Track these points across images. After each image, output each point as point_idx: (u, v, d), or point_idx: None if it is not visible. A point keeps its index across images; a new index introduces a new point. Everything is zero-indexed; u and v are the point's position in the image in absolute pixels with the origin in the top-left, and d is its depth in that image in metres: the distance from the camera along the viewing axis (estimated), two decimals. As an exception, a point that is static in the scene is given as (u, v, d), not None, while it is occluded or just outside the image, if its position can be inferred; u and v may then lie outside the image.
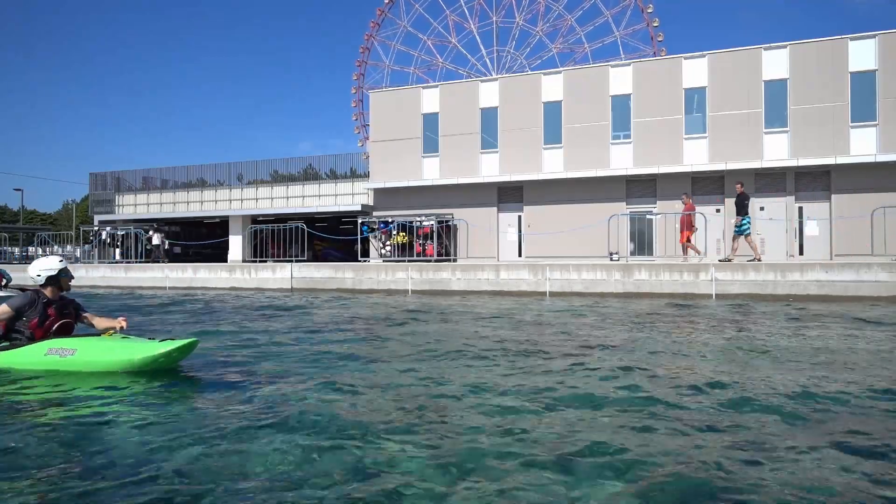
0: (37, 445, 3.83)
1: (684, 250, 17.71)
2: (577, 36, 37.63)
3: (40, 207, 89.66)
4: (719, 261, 16.31)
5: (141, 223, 30.44)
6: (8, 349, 5.85)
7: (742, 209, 16.41)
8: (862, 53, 20.01)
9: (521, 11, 38.28)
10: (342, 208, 27.80)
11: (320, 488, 3.08)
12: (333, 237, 25.89)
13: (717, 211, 21.22)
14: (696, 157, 21.52)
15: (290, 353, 7.18)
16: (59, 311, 6.00)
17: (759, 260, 16.01)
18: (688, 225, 17.49)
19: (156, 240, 27.07)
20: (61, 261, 6.09)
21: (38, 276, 5.93)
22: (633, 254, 21.49)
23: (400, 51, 40.36)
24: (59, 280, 6.01)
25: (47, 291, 5.96)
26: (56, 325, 5.96)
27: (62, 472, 3.35)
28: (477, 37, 39.56)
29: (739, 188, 16.77)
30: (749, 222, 16.44)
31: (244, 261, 27.68)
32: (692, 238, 17.57)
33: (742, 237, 16.41)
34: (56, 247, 35.45)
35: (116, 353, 5.90)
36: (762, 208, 20.92)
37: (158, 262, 25.73)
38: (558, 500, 2.92)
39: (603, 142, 22.67)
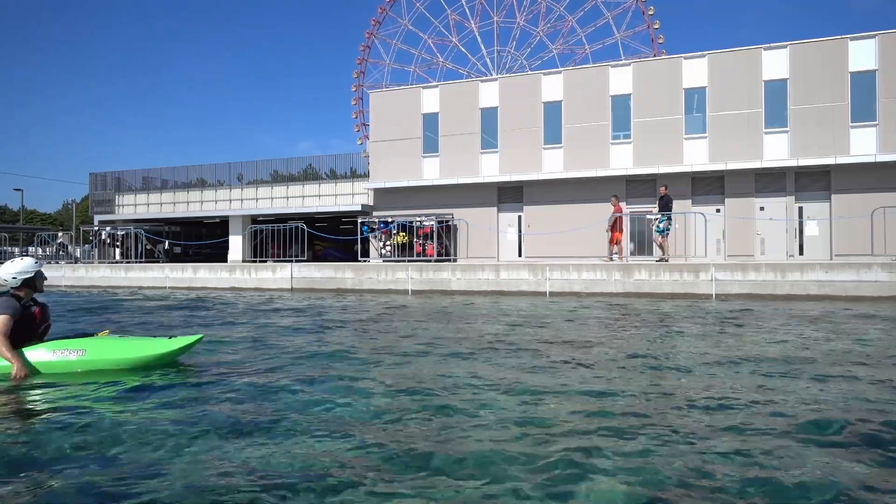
0: (46, 445, 3.84)
1: (611, 252, 18.20)
2: (578, 37, 37.66)
3: (40, 207, 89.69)
4: (657, 261, 16.93)
5: (140, 223, 30.46)
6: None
7: (664, 210, 17.25)
8: (862, 53, 20.01)
9: (523, 12, 38.28)
10: (342, 208, 27.79)
11: (314, 487, 3.08)
12: (333, 237, 25.90)
13: (717, 211, 21.23)
14: (696, 157, 21.53)
15: (289, 351, 7.18)
16: (42, 314, 5.90)
17: (667, 261, 16.91)
18: (618, 227, 18.00)
19: (63, 240, 28.05)
20: (37, 262, 5.96)
21: (14, 278, 5.73)
22: (633, 254, 21.49)
23: (400, 49, 40.36)
24: (35, 282, 5.86)
25: (21, 293, 5.76)
26: (42, 328, 5.88)
27: (68, 471, 3.35)
28: (478, 36, 39.56)
29: (663, 190, 17.69)
30: (665, 222, 17.27)
31: (244, 261, 27.67)
32: (620, 240, 18.21)
33: (660, 235, 17.42)
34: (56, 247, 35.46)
35: (127, 351, 5.94)
36: (762, 208, 20.93)
37: (76, 262, 27.31)
38: (561, 499, 2.92)
39: (603, 142, 22.67)
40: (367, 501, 2.93)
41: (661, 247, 17.47)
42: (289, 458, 3.53)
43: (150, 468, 3.38)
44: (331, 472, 3.31)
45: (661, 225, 17.25)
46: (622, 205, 18.37)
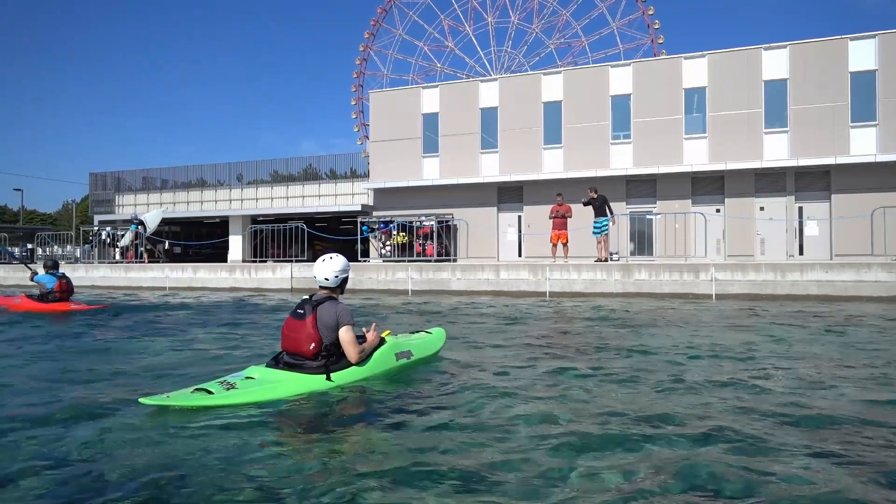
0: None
1: (554, 251, 17.82)
2: (574, 30, 37.61)
3: (40, 207, 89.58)
4: (595, 261, 16.81)
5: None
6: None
7: (599, 211, 17.13)
8: (862, 53, 20.02)
9: (516, 10, 38.22)
10: (342, 208, 27.82)
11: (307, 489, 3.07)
12: (333, 237, 25.89)
13: (717, 211, 21.23)
14: (696, 157, 21.53)
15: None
16: None
17: (605, 260, 16.93)
18: (563, 225, 17.66)
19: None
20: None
21: (336, 277, 5.06)
22: (633, 254, 21.49)
23: (397, 59, 40.22)
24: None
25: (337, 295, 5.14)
26: None
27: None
28: (473, 39, 39.47)
29: (594, 193, 17.37)
30: (606, 223, 17.12)
31: (244, 261, 27.66)
32: (565, 241, 17.69)
33: (600, 236, 17.24)
34: (56, 247, 35.40)
35: (432, 346, 6.09)
36: (762, 208, 20.94)
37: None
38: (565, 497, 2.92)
39: (603, 142, 22.67)
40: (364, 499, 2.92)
41: (599, 248, 17.36)
42: (281, 455, 3.50)
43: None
44: (327, 470, 3.30)
45: (604, 227, 17.18)
46: (570, 204, 17.88)
